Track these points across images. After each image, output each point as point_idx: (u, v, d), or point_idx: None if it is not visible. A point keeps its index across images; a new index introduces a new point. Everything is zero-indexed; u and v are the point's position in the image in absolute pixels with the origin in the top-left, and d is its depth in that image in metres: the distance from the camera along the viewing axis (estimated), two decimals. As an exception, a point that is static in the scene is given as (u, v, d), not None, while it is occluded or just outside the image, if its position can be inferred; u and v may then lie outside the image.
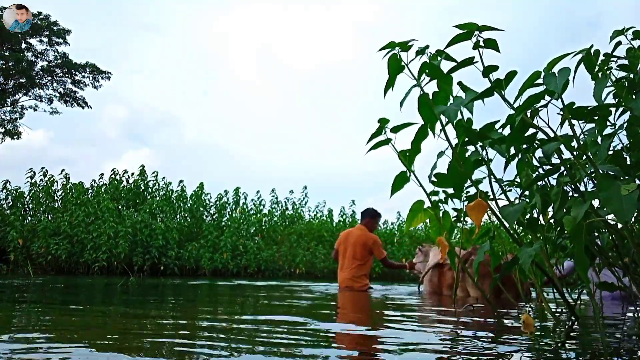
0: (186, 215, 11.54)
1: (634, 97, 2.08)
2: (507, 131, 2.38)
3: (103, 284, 5.77)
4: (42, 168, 10.59)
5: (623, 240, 2.19)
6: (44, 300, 3.53)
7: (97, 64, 16.46)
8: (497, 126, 2.43)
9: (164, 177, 11.77)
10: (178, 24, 36.63)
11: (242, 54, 38.08)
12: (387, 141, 2.79)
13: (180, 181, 11.70)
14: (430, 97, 2.48)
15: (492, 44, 2.26)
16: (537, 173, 2.47)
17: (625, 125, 2.28)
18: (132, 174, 11.58)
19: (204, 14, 38.63)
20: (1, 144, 16.43)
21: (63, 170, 10.78)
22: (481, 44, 2.25)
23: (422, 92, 2.47)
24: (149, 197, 11.39)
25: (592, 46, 2.23)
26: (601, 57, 2.34)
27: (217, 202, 12.02)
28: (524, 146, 2.35)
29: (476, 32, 2.24)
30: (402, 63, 2.48)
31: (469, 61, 2.32)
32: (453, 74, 2.42)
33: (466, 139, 2.51)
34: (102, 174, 11.34)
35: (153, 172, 11.72)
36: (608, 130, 2.36)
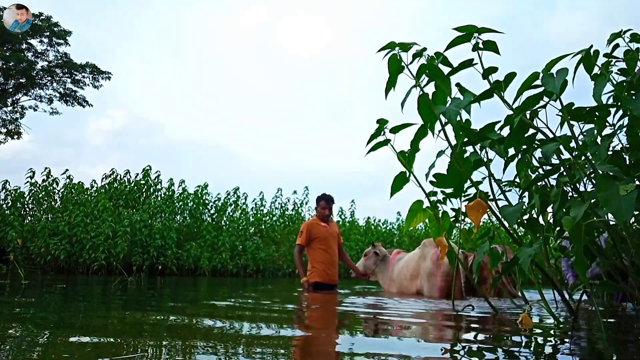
0: (186, 215, 11.53)
1: (633, 97, 2.08)
2: (506, 131, 2.38)
3: (101, 284, 5.77)
4: (46, 168, 10.56)
5: (623, 240, 2.20)
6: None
7: (97, 65, 16.42)
8: (496, 127, 2.43)
9: (160, 177, 11.76)
10: (177, 25, 36.62)
11: (242, 53, 38.09)
12: (386, 142, 2.79)
13: (182, 181, 11.71)
14: (430, 97, 2.49)
15: (491, 46, 2.26)
16: (536, 173, 2.48)
17: (624, 125, 2.28)
18: (137, 174, 11.58)
19: (204, 14, 38.62)
20: (4, 144, 16.39)
21: (67, 170, 10.78)
22: (480, 45, 2.26)
23: (421, 93, 2.48)
24: (148, 197, 11.37)
25: (591, 46, 2.24)
26: (603, 59, 2.35)
27: (217, 202, 12.01)
28: (524, 147, 2.36)
29: (475, 34, 2.25)
30: (402, 63, 2.49)
31: (468, 63, 2.33)
32: (451, 76, 2.43)
33: (465, 140, 2.51)
34: (105, 175, 11.35)
35: (155, 172, 11.71)
36: (607, 131, 2.37)
